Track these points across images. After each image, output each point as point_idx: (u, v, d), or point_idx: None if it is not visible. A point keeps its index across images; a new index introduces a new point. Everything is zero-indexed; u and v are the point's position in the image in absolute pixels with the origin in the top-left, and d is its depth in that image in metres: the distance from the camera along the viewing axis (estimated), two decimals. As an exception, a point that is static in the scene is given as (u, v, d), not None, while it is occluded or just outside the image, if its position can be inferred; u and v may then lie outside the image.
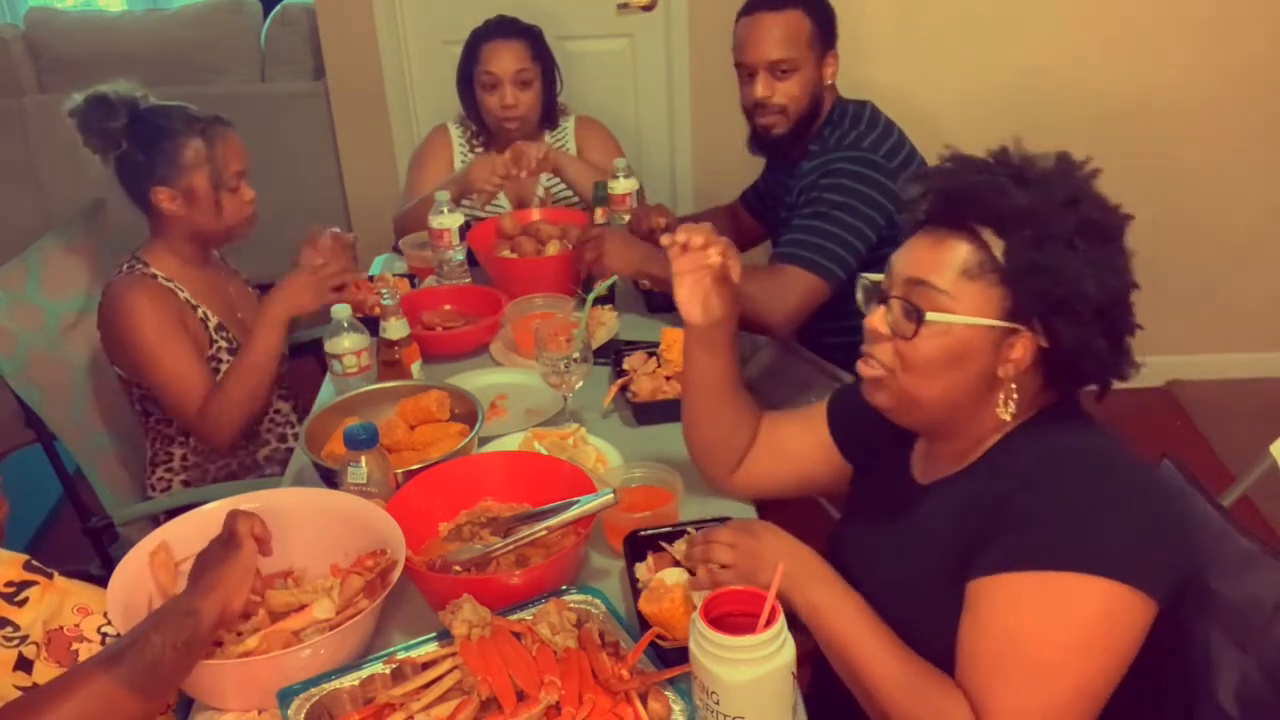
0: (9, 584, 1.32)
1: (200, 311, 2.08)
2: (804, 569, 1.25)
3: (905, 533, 1.30)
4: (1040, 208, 1.15)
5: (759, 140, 2.24)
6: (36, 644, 1.30)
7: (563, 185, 2.66)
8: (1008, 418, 1.21)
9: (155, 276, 2.04)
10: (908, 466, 1.36)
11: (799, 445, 1.52)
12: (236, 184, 2.03)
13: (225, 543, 1.31)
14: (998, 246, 1.16)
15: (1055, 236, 1.14)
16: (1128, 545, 1.09)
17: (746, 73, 2.19)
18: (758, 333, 2.11)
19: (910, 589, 1.23)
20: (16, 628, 1.29)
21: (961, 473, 1.26)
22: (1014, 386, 1.20)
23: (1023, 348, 1.18)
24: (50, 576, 1.36)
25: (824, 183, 2.06)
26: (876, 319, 1.23)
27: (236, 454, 2.17)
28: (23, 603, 1.31)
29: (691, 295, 1.41)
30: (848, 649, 1.20)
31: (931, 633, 1.17)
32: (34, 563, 1.36)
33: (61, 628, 1.33)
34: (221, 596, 1.25)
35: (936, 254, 1.19)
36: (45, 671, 1.29)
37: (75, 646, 1.34)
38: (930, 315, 1.17)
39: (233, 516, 1.34)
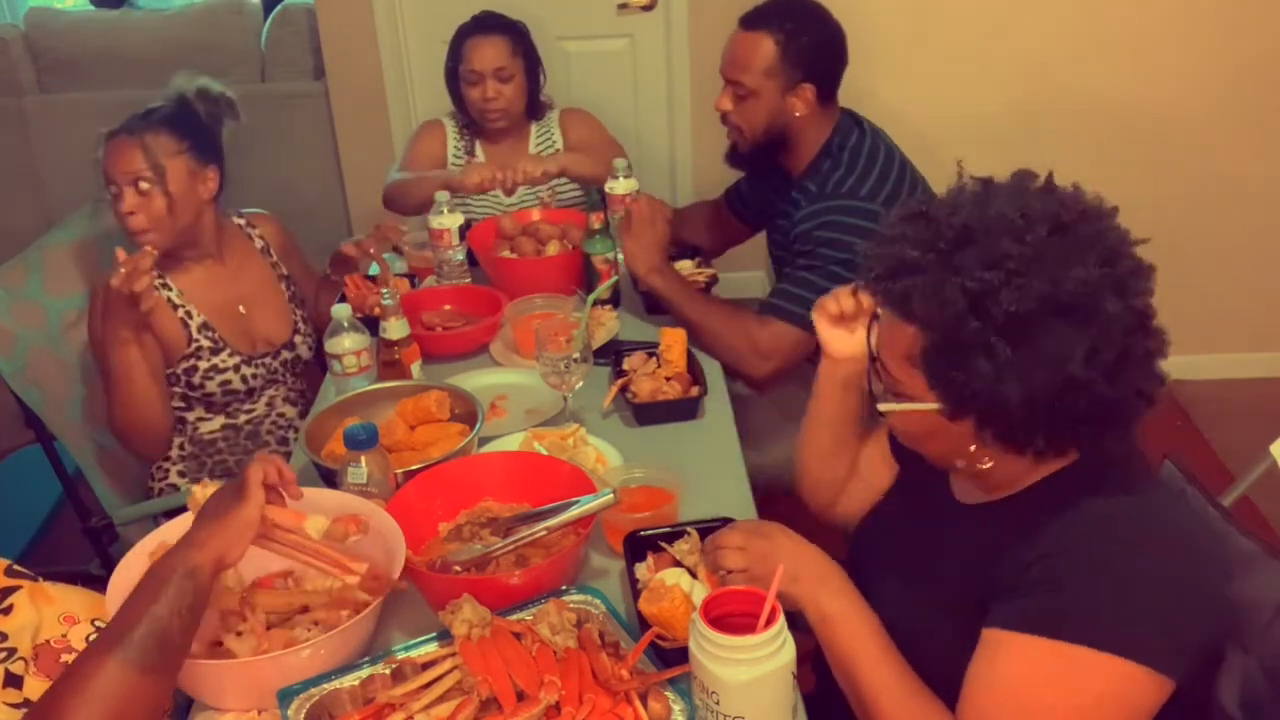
0: None
1: (182, 311, 2.07)
2: (817, 574, 1.24)
3: (937, 549, 1.27)
4: (956, 318, 1.05)
5: (730, 152, 2.20)
6: (25, 659, 1.27)
7: (566, 184, 2.66)
8: (987, 466, 1.17)
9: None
10: (948, 482, 1.32)
11: (879, 469, 1.48)
12: (117, 190, 1.96)
13: (235, 491, 1.24)
14: (922, 341, 1.10)
15: (969, 346, 1.05)
16: (1151, 626, 1.05)
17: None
18: (737, 378, 2.06)
19: (930, 606, 1.21)
20: (5, 637, 1.26)
21: (1003, 501, 1.22)
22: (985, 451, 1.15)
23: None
24: (35, 579, 1.32)
25: (819, 235, 1.99)
26: None
27: (234, 452, 2.17)
28: (8, 610, 1.28)
29: (838, 330, 1.40)
30: (852, 661, 1.19)
31: (939, 654, 1.15)
32: (16, 567, 1.33)
33: (49, 641, 1.29)
34: (217, 549, 1.18)
35: (890, 333, 1.15)
36: (36, 686, 1.25)
37: (65, 658, 1.29)
38: (880, 405, 1.17)
39: (252, 464, 1.27)
